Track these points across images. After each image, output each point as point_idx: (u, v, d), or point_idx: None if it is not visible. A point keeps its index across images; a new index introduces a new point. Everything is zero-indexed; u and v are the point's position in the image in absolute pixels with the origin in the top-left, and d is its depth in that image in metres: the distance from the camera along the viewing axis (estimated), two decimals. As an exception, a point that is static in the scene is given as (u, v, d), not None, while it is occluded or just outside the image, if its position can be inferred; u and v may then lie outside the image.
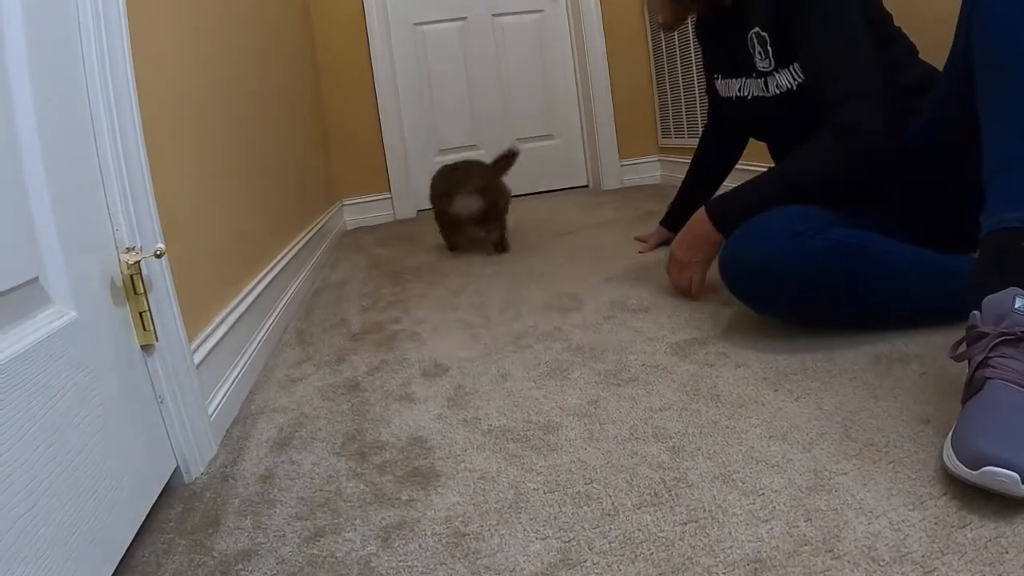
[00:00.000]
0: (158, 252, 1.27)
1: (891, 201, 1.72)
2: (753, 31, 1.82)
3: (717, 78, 2.11)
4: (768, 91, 1.86)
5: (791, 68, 1.77)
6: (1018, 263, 1.15)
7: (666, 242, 2.71)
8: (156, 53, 1.57)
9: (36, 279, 0.98)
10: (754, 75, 1.89)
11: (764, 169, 1.80)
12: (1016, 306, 1.08)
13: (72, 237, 1.07)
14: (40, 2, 1.08)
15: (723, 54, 2.03)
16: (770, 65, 1.81)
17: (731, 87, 2.03)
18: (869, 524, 0.94)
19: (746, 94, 1.96)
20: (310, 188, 3.56)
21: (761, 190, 1.76)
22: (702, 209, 1.88)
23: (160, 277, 1.33)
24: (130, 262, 1.22)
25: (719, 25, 2.01)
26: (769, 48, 1.79)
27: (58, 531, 0.90)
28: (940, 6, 1.94)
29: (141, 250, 1.26)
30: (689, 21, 2.54)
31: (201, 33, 1.99)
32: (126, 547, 1.09)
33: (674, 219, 2.72)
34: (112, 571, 1.02)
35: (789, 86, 1.79)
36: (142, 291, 1.24)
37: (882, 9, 1.78)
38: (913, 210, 1.69)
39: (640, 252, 2.73)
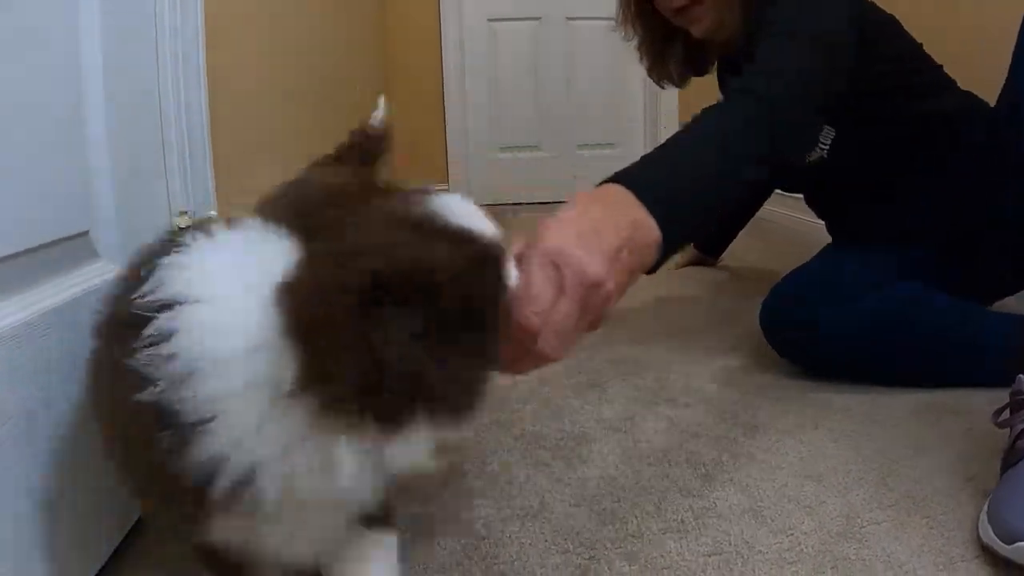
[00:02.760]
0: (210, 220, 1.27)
1: (936, 238, 1.64)
2: None
3: None
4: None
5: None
6: None
7: (697, 262, 2.75)
8: (229, 26, 1.58)
9: (87, 233, 0.98)
10: None
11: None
12: None
13: (127, 195, 1.07)
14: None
15: None
16: None
17: None
18: (898, 579, 0.91)
19: None
20: (368, 172, 3.57)
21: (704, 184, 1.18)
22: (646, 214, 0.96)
23: (210, 244, 1.33)
24: (182, 225, 1.22)
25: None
26: None
27: (83, 482, 0.90)
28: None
29: (194, 215, 1.26)
30: None
31: (274, 7, 2.00)
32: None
33: (707, 240, 2.73)
34: (130, 528, 1.03)
35: (821, 154, 1.67)
36: (191, 255, 1.24)
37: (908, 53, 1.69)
38: (959, 249, 1.62)
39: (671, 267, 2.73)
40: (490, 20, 4.75)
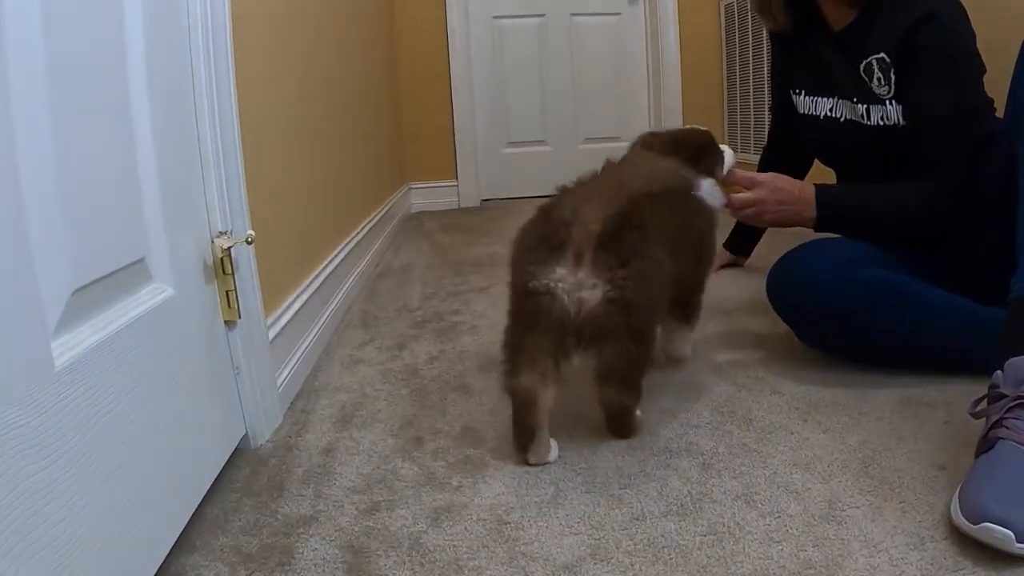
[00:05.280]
0: (249, 239, 1.39)
1: (944, 250, 1.76)
2: (876, 56, 1.75)
3: (798, 93, 2.02)
4: (869, 119, 1.81)
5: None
6: None
7: (729, 264, 2.75)
8: (252, 51, 1.69)
9: (143, 259, 1.10)
10: (855, 99, 1.83)
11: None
12: None
13: (173, 222, 1.19)
14: (157, 6, 1.20)
15: (814, 70, 1.95)
16: (889, 92, 1.76)
17: (819, 105, 1.95)
18: (870, 557, 1.03)
19: (838, 115, 1.90)
20: (381, 172, 3.68)
21: (869, 206, 1.76)
22: (814, 188, 1.76)
23: (245, 258, 1.44)
24: (224, 247, 1.33)
25: (814, 45, 1.93)
26: (892, 76, 1.74)
27: (149, 477, 1.03)
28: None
29: (232, 234, 1.37)
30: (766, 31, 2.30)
31: (292, 28, 2.11)
32: (200, 499, 1.21)
33: (738, 242, 2.73)
34: (186, 522, 1.15)
35: (896, 121, 1.76)
36: (230, 272, 1.36)
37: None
38: (961, 261, 1.74)
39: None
40: (495, 17, 4.84)
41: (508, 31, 4.87)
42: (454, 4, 4.70)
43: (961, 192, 1.66)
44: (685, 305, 1.70)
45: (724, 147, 1.77)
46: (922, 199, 1.69)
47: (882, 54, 1.74)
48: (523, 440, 1.34)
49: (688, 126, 1.80)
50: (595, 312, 1.26)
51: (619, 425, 1.41)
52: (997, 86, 1.67)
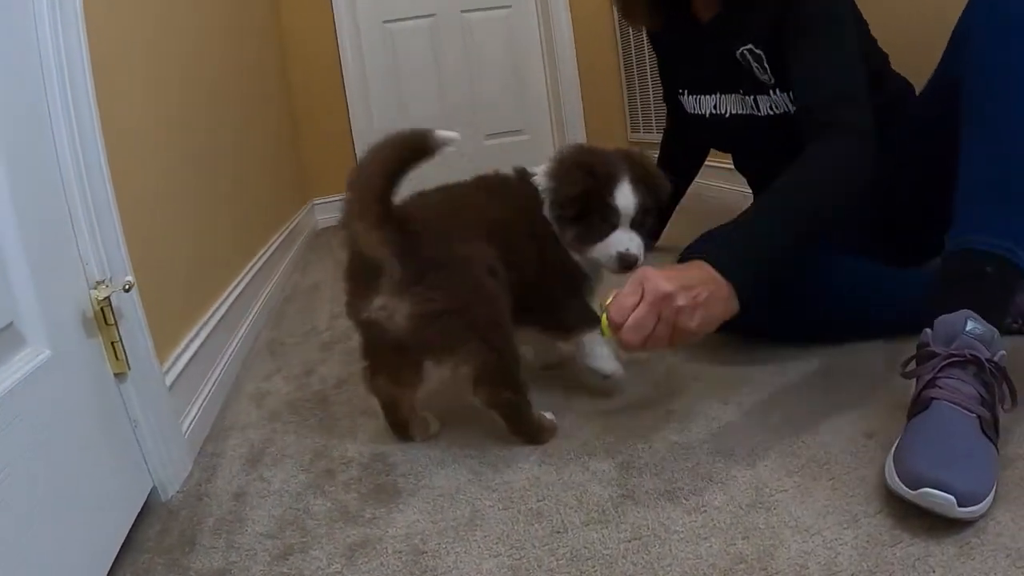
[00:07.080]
0: (127, 286, 1.32)
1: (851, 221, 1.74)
2: (745, 48, 1.72)
3: (683, 93, 1.98)
4: (759, 110, 1.77)
5: (789, 92, 1.69)
6: (974, 285, 1.20)
7: None
8: (117, 74, 1.61)
9: (11, 324, 1.02)
10: (740, 91, 1.79)
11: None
12: (967, 328, 1.13)
13: (43, 278, 1.11)
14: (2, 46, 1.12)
15: (692, 67, 1.92)
16: (770, 80, 1.71)
17: (702, 104, 1.93)
18: (803, 542, 1.01)
19: (723, 112, 1.87)
20: (281, 192, 3.60)
21: (778, 239, 1.42)
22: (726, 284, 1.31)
23: (130, 305, 1.36)
24: (100, 297, 1.26)
25: (686, 40, 1.89)
26: (767, 66, 1.70)
27: (45, 556, 0.96)
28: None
29: (111, 282, 1.30)
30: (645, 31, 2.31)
31: (168, 52, 2.02)
32: (109, 566, 1.14)
33: None
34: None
35: (787, 108, 1.71)
36: (113, 322, 1.28)
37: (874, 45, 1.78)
38: (876, 223, 1.73)
39: None
40: (385, 22, 4.77)
41: (399, 35, 4.80)
42: (343, 13, 4.62)
43: (869, 137, 1.51)
44: (548, 316, 1.55)
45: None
46: (839, 163, 1.48)
47: (750, 45, 1.70)
48: (398, 433, 1.50)
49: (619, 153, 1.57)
50: (410, 329, 1.33)
51: (516, 424, 1.41)
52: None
